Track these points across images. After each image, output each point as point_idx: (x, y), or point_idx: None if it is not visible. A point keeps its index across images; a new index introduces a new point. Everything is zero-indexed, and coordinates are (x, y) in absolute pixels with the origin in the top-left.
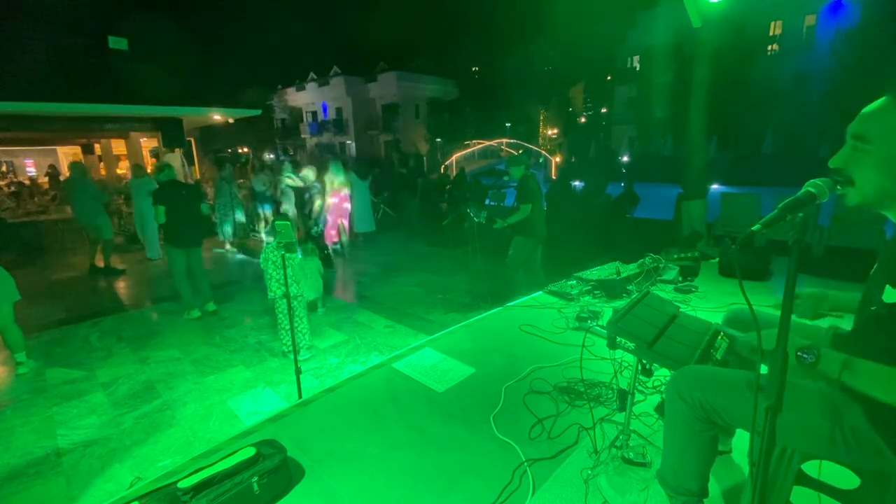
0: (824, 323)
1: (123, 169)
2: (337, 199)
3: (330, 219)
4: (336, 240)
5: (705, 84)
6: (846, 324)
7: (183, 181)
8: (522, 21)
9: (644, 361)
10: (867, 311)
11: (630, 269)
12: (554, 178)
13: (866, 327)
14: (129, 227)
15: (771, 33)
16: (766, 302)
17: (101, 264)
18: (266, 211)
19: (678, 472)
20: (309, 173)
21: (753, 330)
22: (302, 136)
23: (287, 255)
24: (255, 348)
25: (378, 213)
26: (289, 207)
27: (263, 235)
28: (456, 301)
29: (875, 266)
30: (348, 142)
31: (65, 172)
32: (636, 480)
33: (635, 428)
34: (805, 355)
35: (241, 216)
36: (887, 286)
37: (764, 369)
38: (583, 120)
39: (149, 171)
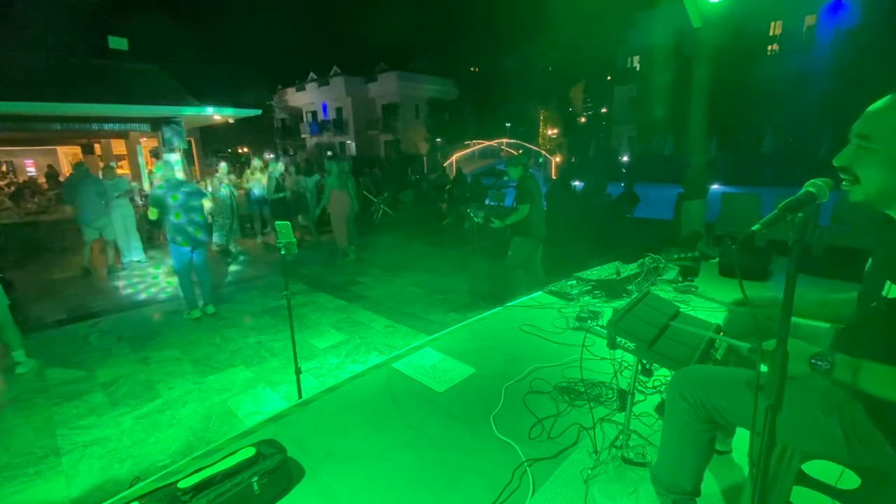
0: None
1: (124, 168)
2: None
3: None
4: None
5: (705, 84)
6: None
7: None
8: (522, 21)
9: (644, 361)
10: (868, 308)
11: (630, 269)
12: (554, 178)
13: (868, 324)
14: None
15: (771, 33)
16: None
17: (99, 265)
18: (265, 211)
19: (674, 471)
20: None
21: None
22: (302, 135)
23: None
24: (255, 348)
25: (378, 212)
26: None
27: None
28: (456, 301)
29: (869, 262)
30: (348, 142)
31: (65, 172)
32: (628, 483)
33: (635, 428)
34: (819, 362)
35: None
36: (888, 282)
37: (764, 368)
38: (583, 120)
39: (148, 169)
